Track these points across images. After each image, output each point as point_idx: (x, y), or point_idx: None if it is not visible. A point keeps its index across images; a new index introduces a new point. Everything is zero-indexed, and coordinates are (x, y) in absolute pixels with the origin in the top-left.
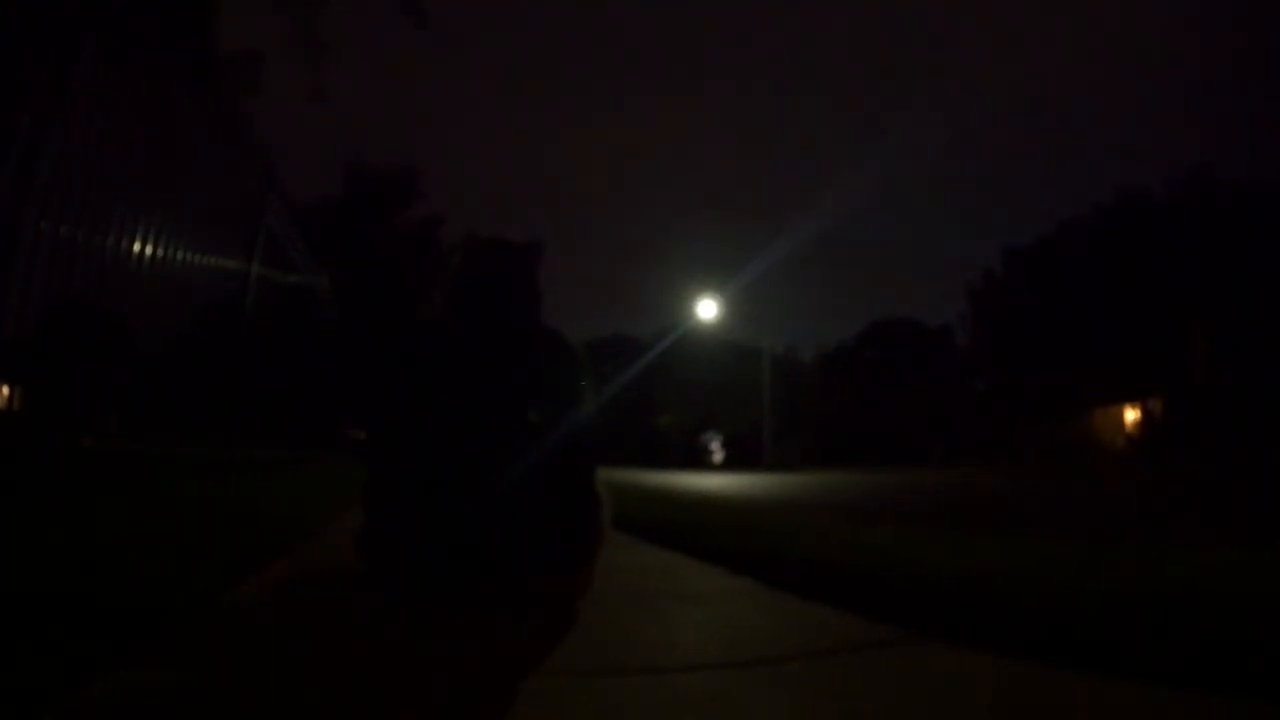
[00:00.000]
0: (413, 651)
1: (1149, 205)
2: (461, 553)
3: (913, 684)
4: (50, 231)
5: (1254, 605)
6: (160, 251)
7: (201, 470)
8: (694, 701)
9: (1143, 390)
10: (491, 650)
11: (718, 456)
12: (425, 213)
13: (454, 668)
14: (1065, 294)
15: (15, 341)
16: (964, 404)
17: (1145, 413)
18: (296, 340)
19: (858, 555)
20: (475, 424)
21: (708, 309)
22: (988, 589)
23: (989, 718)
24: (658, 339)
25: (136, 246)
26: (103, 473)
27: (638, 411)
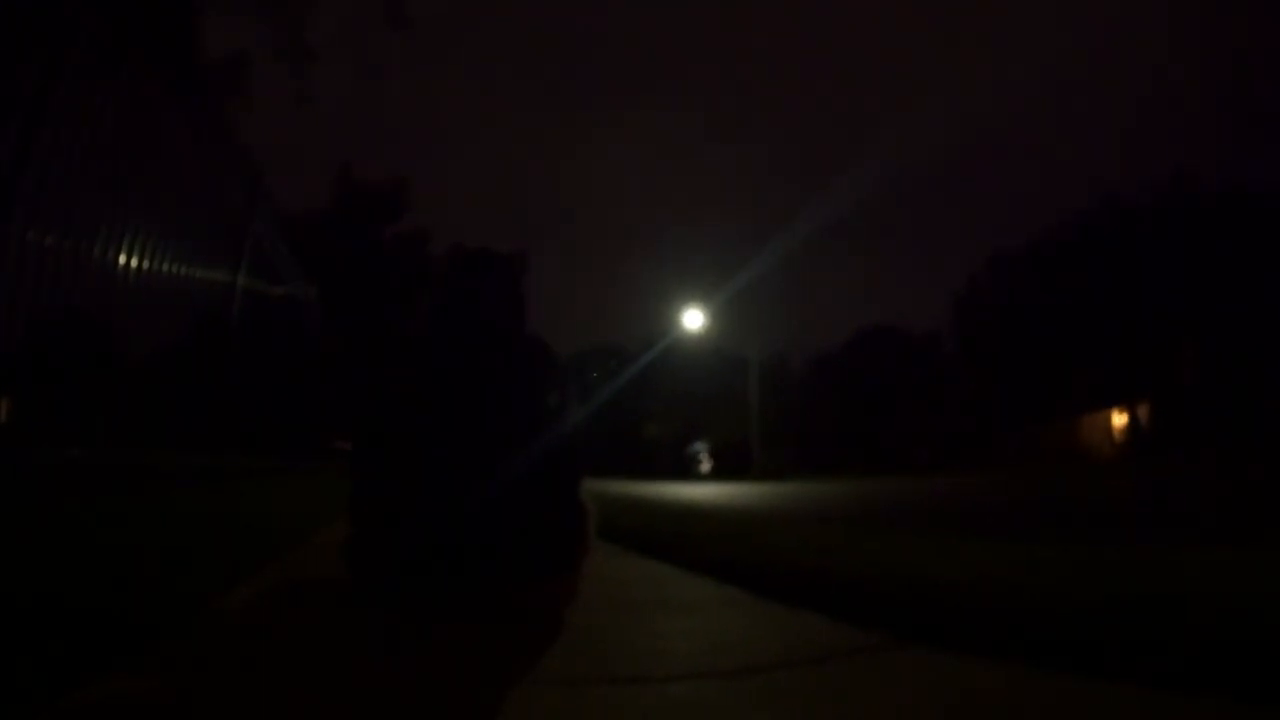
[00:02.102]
0: (399, 660)
1: (1133, 211)
2: (447, 562)
3: (901, 691)
4: (36, 242)
5: (1238, 607)
6: (148, 262)
7: (189, 479)
8: (680, 710)
9: (1129, 395)
10: (476, 659)
11: (705, 466)
12: (414, 225)
13: (440, 677)
14: (1050, 300)
15: (2, 352)
16: (950, 411)
17: (1132, 418)
18: (284, 350)
19: (844, 563)
20: (459, 434)
21: (694, 319)
22: (975, 595)
23: None
24: (645, 349)
25: (123, 257)
26: (90, 483)
27: (625, 422)
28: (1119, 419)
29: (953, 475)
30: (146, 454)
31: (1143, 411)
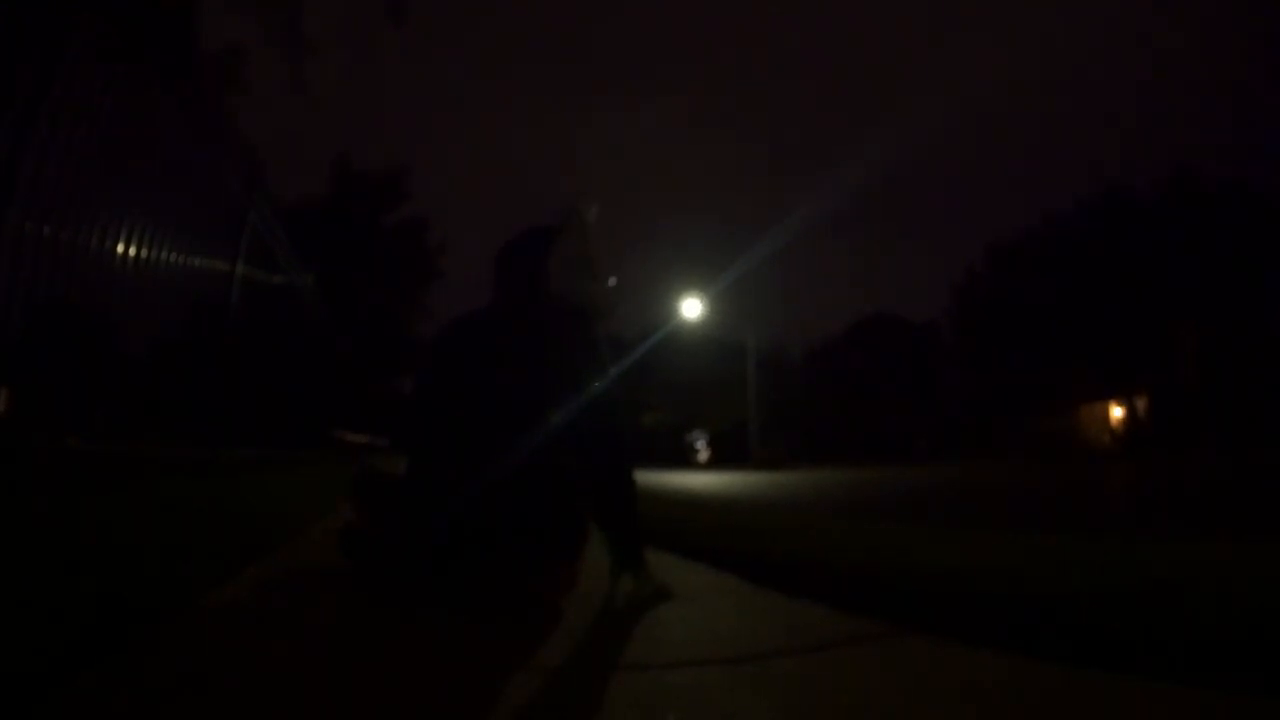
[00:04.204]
0: (396, 650)
1: (1134, 203)
2: (447, 552)
3: (897, 679)
4: (35, 232)
5: (1236, 598)
6: (145, 252)
7: (188, 470)
8: (678, 697)
9: (1128, 387)
10: (475, 648)
11: (703, 455)
12: (412, 214)
13: (438, 666)
14: (1049, 291)
15: (2, 342)
16: (949, 401)
17: (1130, 410)
18: (283, 340)
19: (841, 552)
20: (487, 419)
21: (692, 307)
22: (971, 584)
23: (973, 712)
24: (642, 337)
25: (121, 247)
26: (88, 473)
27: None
28: (1117, 411)
29: (951, 465)
30: (144, 444)
31: (1140, 404)
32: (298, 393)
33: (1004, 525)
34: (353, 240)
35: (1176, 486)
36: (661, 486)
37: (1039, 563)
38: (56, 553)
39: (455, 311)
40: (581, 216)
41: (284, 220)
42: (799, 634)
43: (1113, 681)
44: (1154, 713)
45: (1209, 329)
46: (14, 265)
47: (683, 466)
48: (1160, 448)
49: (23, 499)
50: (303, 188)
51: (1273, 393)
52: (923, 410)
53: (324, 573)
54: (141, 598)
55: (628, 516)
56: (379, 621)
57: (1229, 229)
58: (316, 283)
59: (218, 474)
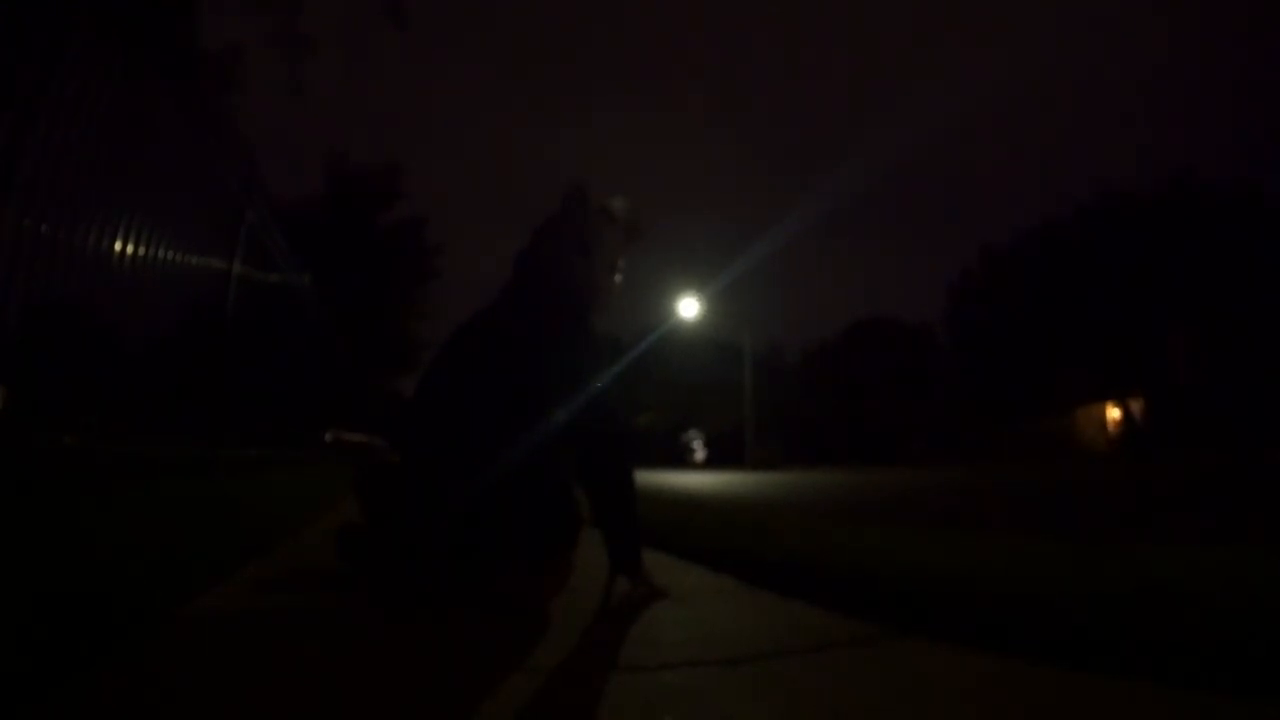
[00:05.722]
0: (390, 652)
1: (1131, 205)
2: (443, 552)
3: (893, 681)
4: (32, 229)
5: (1231, 602)
6: (143, 250)
7: (183, 469)
8: (672, 699)
9: (1124, 389)
10: (471, 649)
11: (699, 455)
12: (408, 213)
13: (433, 667)
14: (1046, 293)
15: None
16: (946, 402)
17: (1126, 411)
18: (279, 339)
19: (838, 553)
20: (482, 417)
21: (689, 307)
22: (968, 586)
23: (971, 714)
24: (639, 338)
25: (118, 245)
26: (84, 472)
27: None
28: (1113, 412)
29: (946, 466)
30: (141, 443)
31: (1136, 405)
32: (296, 392)
33: (1000, 527)
34: (349, 239)
35: (1172, 488)
36: (658, 487)
37: (1035, 564)
38: (52, 553)
39: (453, 311)
40: (583, 199)
41: (281, 219)
42: (796, 635)
43: (1110, 684)
44: (1150, 715)
45: (1206, 330)
46: (11, 263)
47: (679, 467)
48: (1156, 449)
49: (19, 498)
50: (300, 188)
51: (1270, 393)
52: (918, 412)
53: (322, 573)
54: (137, 598)
55: (626, 517)
56: (375, 622)
57: (1227, 229)
58: (313, 282)
59: (215, 474)
